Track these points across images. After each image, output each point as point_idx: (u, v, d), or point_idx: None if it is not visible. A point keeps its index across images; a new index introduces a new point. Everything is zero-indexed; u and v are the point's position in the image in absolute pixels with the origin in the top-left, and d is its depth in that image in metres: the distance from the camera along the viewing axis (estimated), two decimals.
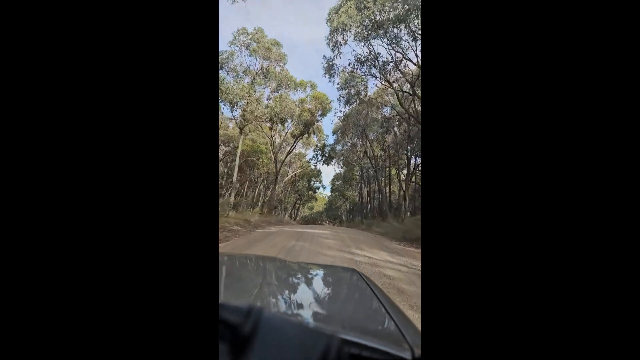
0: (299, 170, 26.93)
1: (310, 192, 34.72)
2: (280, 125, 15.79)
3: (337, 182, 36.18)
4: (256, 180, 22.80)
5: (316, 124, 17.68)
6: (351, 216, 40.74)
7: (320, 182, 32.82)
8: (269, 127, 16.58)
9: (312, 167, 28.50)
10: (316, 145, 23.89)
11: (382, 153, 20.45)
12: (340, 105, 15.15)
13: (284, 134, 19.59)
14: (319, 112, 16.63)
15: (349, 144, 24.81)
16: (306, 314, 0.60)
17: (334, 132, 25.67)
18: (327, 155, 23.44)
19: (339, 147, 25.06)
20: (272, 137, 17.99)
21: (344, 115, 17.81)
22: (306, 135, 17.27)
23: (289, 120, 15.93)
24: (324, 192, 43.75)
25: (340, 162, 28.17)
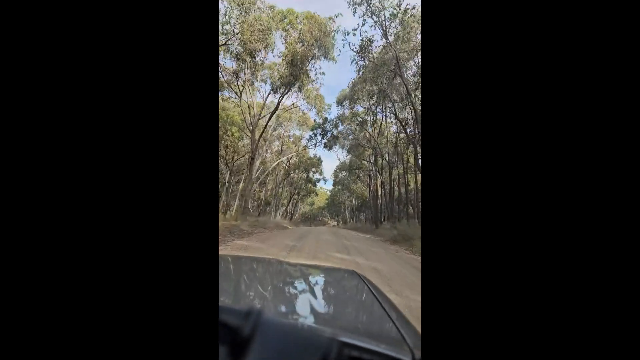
0: (293, 154, 20.43)
1: (310, 185, 28.82)
2: (250, 62, 9.19)
3: (340, 174, 29.95)
4: (230, 165, 16.47)
5: (311, 73, 11.05)
6: (356, 213, 34.69)
7: (321, 172, 26.82)
8: (234, 74, 10.03)
9: (311, 153, 22.30)
10: (315, 122, 17.51)
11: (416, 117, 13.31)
12: (355, 12, 8.22)
13: (264, 96, 12.98)
14: (316, 45, 10.02)
15: (359, 120, 18.29)
16: (306, 316, 0.59)
17: (339, 103, 19.22)
18: (329, 134, 17.01)
19: (341, 128, 18.59)
20: (240, 93, 11.31)
21: (362, 43, 10.25)
22: (296, 85, 10.65)
23: (265, 51, 9.22)
24: (325, 187, 37.87)
25: (346, 146, 21.72)
